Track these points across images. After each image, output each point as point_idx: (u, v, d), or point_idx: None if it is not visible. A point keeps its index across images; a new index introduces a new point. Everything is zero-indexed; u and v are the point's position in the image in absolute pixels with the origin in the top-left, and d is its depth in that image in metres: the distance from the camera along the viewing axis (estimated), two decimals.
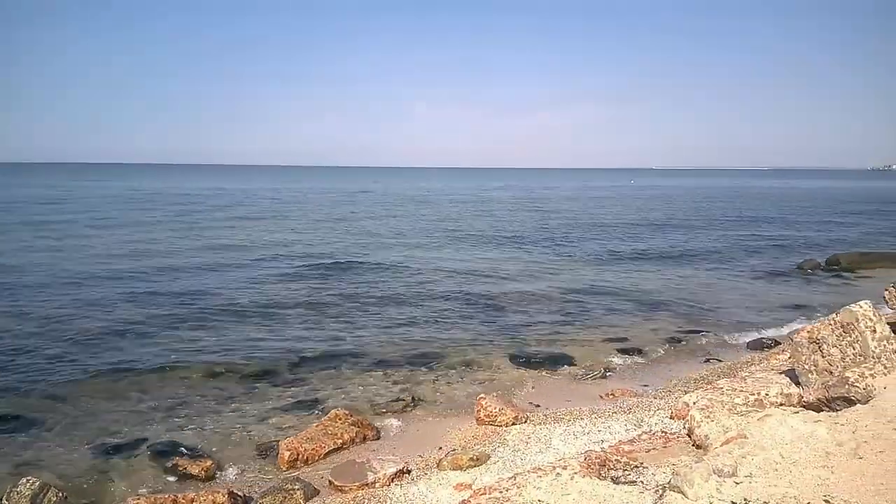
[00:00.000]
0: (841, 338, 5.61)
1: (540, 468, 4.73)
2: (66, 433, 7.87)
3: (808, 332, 5.93)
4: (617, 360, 10.94)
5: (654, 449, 5.50)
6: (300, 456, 7.06)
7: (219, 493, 6.04)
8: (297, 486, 6.21)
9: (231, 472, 6.99)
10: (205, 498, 5.95)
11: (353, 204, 53.59)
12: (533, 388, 9.61)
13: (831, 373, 5.60)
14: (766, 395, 6.03)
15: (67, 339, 11.50)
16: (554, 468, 4.63)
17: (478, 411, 7.91)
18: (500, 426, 7.63)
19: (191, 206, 46.53)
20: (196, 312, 13.70)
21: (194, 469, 6.93)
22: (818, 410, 5.10)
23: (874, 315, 5.50)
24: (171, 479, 6.83)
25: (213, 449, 7.50)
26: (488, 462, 6.45)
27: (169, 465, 7.05)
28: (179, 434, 7.89)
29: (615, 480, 4.59)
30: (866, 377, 5.01)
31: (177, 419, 8.34)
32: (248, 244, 25.18)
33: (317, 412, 8.57)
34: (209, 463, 7.06)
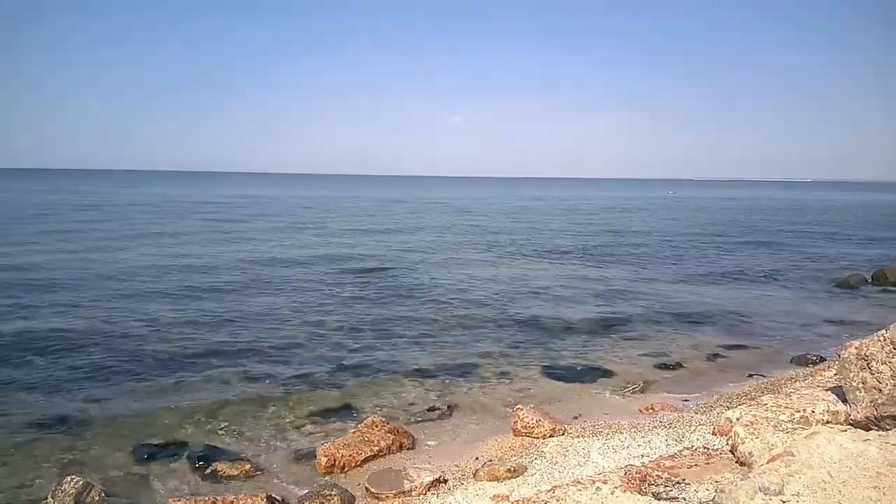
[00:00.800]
0: (891, 354, 5.44)
1: (579, 481, 4.69)
2: (108, 435, 8.04)
3: (856, 348, 5.77)
4: (656, 374, 10.76)
5: (695, 465, 5.41)
6: (337, 462, 7.10)
7: (257, 496, 6.11)
8: (334, 492, 6.25)
9: (269, 476, 7.06)
10: (243, 501, 6.03)
11: (388, 214, 53.80)
12: (570, 400, 9.52)
13: (880, 390, 5.44)
14: (813, 412, 5.88)
15: (111, 345, 11.75)
16: (594, 482, 4.58)
17: (514, 422, 7.86)
18: (538, 438, 7.56)
19: (225, 214, 47.32)
20: (235, 320, 13.90)
21: (233, 472, 7.03)
22: (867, 429, 4.97)
23: None
24: (210, 481, 6.92)
25: (252, 453, 7.59)
26: (526, 474, 6.39)
27: (208, 467, 7.15)
28: (218, 438, 8.02)
29: (656, 496, 4.52)
30: None
31: (216, 423, 8.46)
32: (286, 252, 25.47)
33: (353, 419, 8.62)
34: (247, 466, 7.15)
